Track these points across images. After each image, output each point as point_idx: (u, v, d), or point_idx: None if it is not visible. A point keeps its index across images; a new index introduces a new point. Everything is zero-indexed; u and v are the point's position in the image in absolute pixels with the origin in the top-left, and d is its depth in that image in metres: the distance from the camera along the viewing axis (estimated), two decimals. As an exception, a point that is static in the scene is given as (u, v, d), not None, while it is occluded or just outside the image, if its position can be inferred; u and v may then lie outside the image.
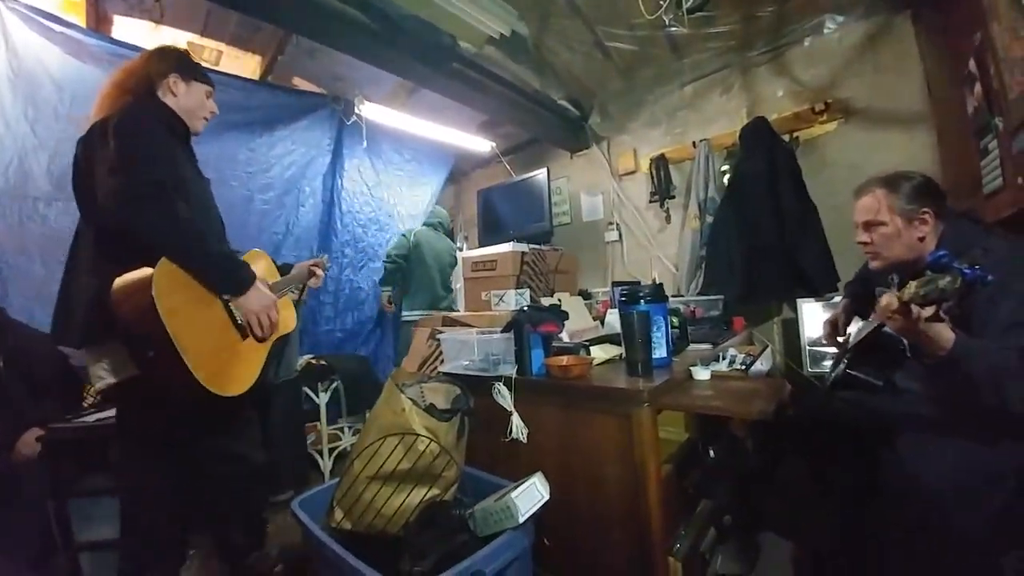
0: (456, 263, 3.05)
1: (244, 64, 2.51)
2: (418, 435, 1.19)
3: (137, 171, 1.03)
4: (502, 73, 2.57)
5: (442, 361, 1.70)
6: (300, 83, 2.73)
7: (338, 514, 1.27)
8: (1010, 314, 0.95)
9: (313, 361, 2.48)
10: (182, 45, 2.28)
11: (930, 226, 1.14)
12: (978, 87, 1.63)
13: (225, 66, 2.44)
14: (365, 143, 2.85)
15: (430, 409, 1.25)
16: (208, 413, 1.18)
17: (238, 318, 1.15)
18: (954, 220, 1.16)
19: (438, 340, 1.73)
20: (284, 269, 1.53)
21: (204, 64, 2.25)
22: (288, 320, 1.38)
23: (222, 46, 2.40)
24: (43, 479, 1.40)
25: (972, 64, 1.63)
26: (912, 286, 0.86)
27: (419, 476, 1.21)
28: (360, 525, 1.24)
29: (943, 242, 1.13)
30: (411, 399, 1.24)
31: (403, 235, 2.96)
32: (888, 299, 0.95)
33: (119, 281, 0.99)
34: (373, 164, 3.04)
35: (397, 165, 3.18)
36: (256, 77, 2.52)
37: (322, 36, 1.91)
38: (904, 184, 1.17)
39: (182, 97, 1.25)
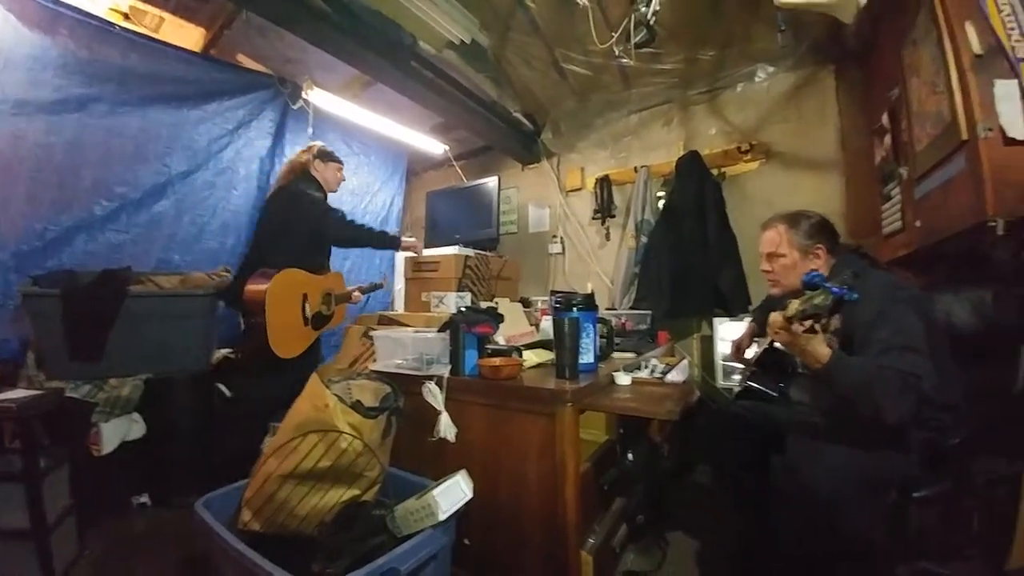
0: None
1: (187, 35, 2.34)
2: (341, 432, 1.16)
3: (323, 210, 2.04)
4: (460, 79, 2.60)
5: (374, 360, 1.67)
6: (245, 61, 2.58)
7: (246, 515, 1.20)
8: (887, 339, 1.06)
9: (231, 356, 2.31)
10: (123, 7, 2.12)
11: (822, 260, 1.30)
12: (888, 139, 1.85)
13: (166, 34, 2.27)
14: (311, 130, 2.74)
15: (356, 406, 1.21)
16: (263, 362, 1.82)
17: (306, 312, 1.89)
18: (845, 255, 1.32)
19: (371, 338, 1.70)
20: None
21: (143, 30, 2.17)
22: (338, 318, 2.10)
23: (165, 13, 2.23)
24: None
25: (885, 118, 1.85)
26: (794, 304, 0.98)
27: (339, 475, 1.18)
28: (271, 526, 1.18)
29: (832, 272, 1.29)
30: (336, 395, 1.21)
31: None
32: (774, 316, 1.07)
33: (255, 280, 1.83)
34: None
35: (344, 157, 3.02)
36: (198, 50, 2.36)
37: (277, 16, 1.83)
38: (803, 222, 1.33)
39: (322, 172, 2.10)
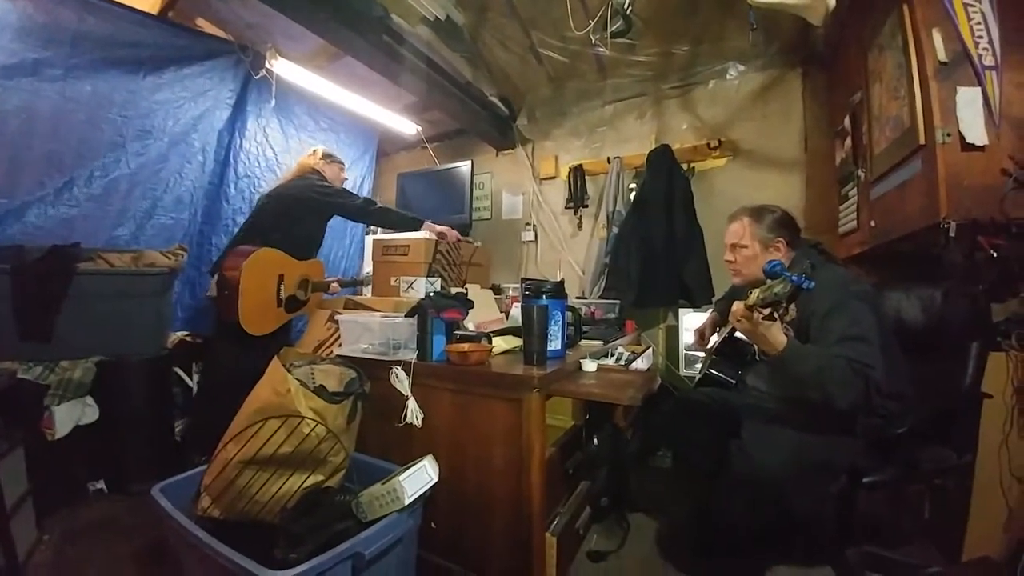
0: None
1: (143, -3, 2.17)
2: (303, 417, 1.13)
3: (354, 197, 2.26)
4: (435, 57, 2.52)
5: (339, 344, 1.64)
6: (205, 26, 2.42)
7: (205, 501, 1.17)
8: (841, 330, 1.11)
9: (188, 339, 2.21)
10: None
11: (782, 253, 1.36)
12: (848, 141, 1.92)
13: (121, -4, 2.10)
14: (274, 102, 2.60)
15: (319, 391, 1.19)
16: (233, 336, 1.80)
17: (281, 294, 1.90)
18: (804, 249, 1.38)
19: (336, 322, 1.66)
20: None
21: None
22: (313, 305, 2.10)
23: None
24: None
25: (847, 121, 1.92)
26: (755, 293, 1.03)
27: (301, 461, 1.16)
28: (231, 512, 1.16)
29: (791, 265, 1.34)
30: (299, 379, 1.18)
31: None
32: (736, 305, 1.12)
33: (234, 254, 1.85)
34: (282, 127, 2.78)
35: (311, 133, 2.94)
36: (154, 12, 2.18)
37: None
38: (767, 216, 1.38)
39: (326, 171, 2.20)
